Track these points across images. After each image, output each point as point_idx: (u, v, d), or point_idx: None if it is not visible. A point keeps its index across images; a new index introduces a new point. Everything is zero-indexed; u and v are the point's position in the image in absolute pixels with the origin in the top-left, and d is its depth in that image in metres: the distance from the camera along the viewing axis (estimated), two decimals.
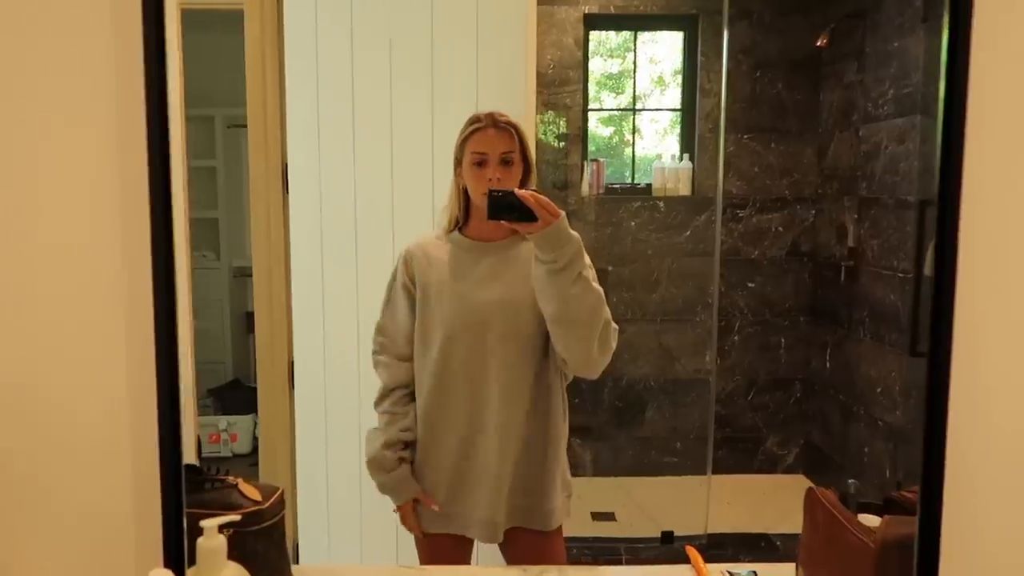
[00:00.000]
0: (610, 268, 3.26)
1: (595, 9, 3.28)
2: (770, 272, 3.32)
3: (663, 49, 3.51)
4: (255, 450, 2.85)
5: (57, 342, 0.75)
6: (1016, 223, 0.73)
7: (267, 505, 1.06)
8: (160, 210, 0.77)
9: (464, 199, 1.48)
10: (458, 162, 1.47)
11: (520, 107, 1.92)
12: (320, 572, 1.31)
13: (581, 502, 2.91)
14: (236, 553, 0.93)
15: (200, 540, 0.80)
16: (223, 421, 3.31)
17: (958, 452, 0.75)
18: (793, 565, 1.11)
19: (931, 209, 0.77)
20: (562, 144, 3.30)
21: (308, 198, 2.08)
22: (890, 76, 2.71)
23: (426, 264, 1.48)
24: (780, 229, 3.32)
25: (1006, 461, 0.72)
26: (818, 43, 3.16)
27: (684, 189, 3.32)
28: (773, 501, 3.12)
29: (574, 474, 1.55)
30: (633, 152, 3.53)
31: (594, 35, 3.44)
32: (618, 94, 3.59)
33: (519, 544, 1.50)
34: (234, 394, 3.54)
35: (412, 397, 1.51)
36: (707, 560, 1.20)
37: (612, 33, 3.51)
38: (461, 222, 1.50)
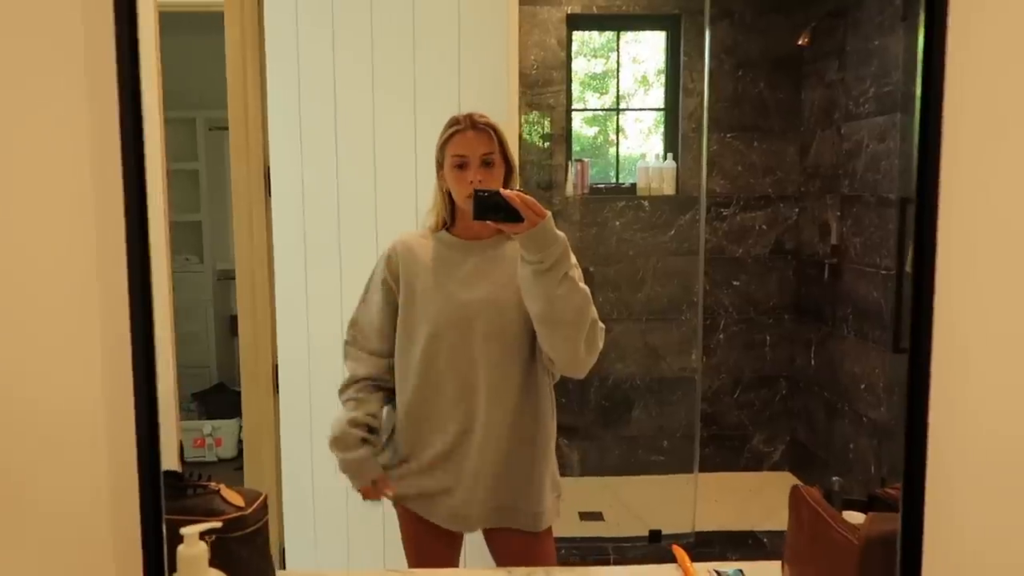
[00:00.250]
0: (591, 268, 3.26)
1: (578, 9, 3.28)
2: (754, 270, 3.34)
3: (646, 49, 3.52)
4: (240, 454, 2.83)
5: (30, 347, 0.74)
6: (994, 219, 0.74)
7: (250, 511, 1.05)
8: (135, 213, 0.76)
9: (449, 201, 1.48)
10: (439, 165, 1.47)
11: (503, 108, 1.92)
12: None
13: (568, 502, 2.90)
14: (219, 560, 0.92)
15: (180, 548, 0.79)
16: (208, 425, 3.29)
17: (939, 448, 0.75)
18: (779, 563, 1.11)
19: (912, 206, 0.77)
20: (546, 144, 3.30)
21: (291, 200, 2.07)
22: (871, 74, 2.73)
23: (411, 261, 1.47)
24: (764, 227, 3.33)
25: (987, 456, 0.72)
26: (799, 42, 3.17)
27: (668, 188, 3.33)
28: (759, 499, 3.14)
29: (561, 474, 1.55)
30: (617, 152, 3.54)
31: (577, 35, 3.44)
32: (602, 94, 3.59)
33: (509, 546, 1.50)
34: (219, 398, 3.52)
35: (377, 388, 1.52)
36: (694, 559, 1.20)
37: (595, 33, 3.52)
38: (448, 223, 1.50)
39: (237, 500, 1.05)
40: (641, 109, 3.57)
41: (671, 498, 2.91)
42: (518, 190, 1.32)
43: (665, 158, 3.37)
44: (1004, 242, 0.74)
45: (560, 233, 1.32)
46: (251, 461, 2.21)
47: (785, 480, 3.26)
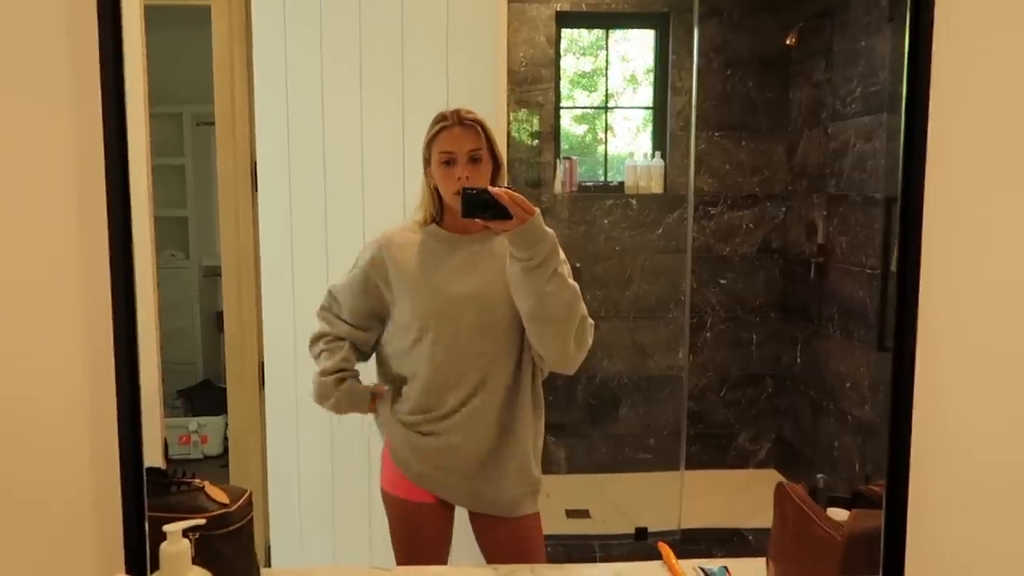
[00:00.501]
0: (579, 265, 3.26)
1: (567, 7, 3.28)
2: (741, 269, 3.35)
3: (635, 47, 3.52)
4: (227, 451, 2.82)
5: (12, 345, 0.73)
6: (977, 219, 0.75)
7: (234, 508, 1.05)
8: (118, 209, 0.75)
9: (437, 197, 1.48)
10: (427, 162, 1.46)
11: (492, 105, 1.91)
12: (290, 574, 1.30)
13: (555, 499, 2.91)
14: (203, 558, 0.91)
15: (163, 545, 0.79)
16: (193, 422, 3.25)
17: (923, 446, 0.75)
18: (764, 560, 1.12)
19: (897, 206, 0.78)
20: (535, 142, 3.30)
21: (278, 197, 2.06)
22: (857, 75, 2.75)
23: (398, 254, 1.47)
24: (751, 226, 3.35)
25: (969, 454, 0.73)
26: (787, 42, 3.19)
27: (656, 187, 3.34)
28: (745, 496, 3.15)
29: (548, 471, 1.56)
30: (606, 150, 3.54)
31: (566, 33, 3.44)
32: (591, 92, 3.59)
33: (490, 530, 1.52)
34: (204, 395, 3.48)
35: (347, 342, 1.54)
36: (680, 556, 1.21)
37: (584, 31, 3.52)
38: (436, 218, 1.50)
39: (222, 497, 1.04)
40: (630, 107, 3.57)
41: (657, 495, 2.92)
42: (506, 187, 1.32)
43: (653, 156, 3.37)
44: (987, 241, 0.74)
45: (549, 230, 1.32)
46: (237, 458, 2.20)
47: (771, 478, 3.27)
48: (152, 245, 1.34)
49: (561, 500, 2.96)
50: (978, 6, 0.77)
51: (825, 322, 2.92)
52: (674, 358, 3.34)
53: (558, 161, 3.31)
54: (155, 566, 0.79)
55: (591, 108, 3.60)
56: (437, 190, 1.47)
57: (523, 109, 3.28)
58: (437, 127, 1.44)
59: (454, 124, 1.43)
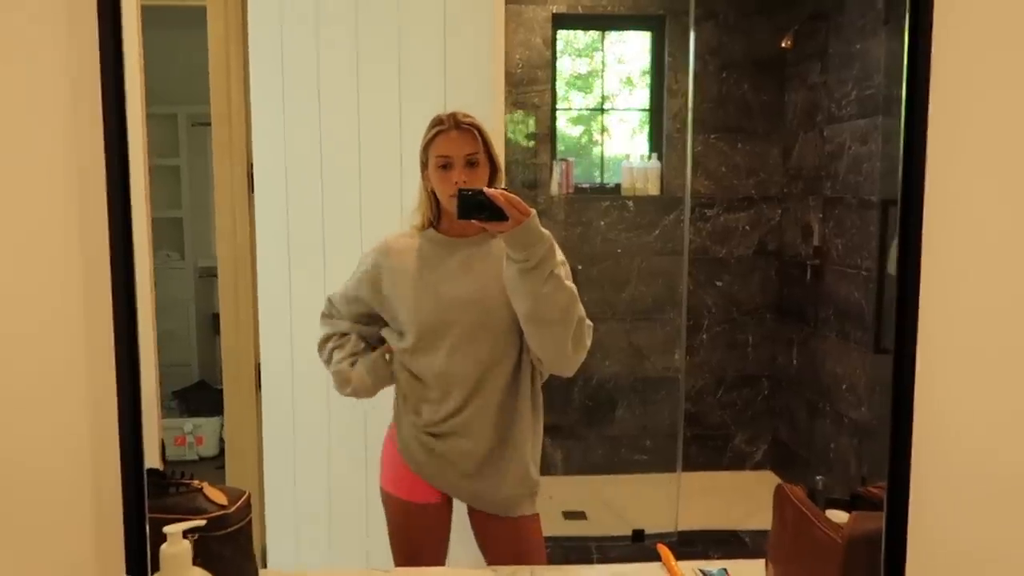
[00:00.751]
0: (577, 267, 3.27)
1: (563, 9, 3.28)
2: (737, 271, 3.36)
3: (630, 49, 3.53)
4: (222, 453, 2.81)
5: (13, 345, 0.73)
6: (977, 221, 0.75)
7: (233, 509, 1.04)
8: (119, 210, 0.75)
9: (434, 200, 1.48)
10: (424, 165, 1.46)
11: (489, 106, 1.91)
12: None
13: (552, 501, 2.91)
14: (202, 559, 0.91)
15: (164, 546, 0.79)
16: (189, 424, 3.25)
17: (924, 448, 0.76)
18: (763, 561, 1.12)
19: (894, 208, 0.78)
20: (531, 143, 3.30)
21: (274, 197, 2.05)
22: (853, 77, 2.76)
23: (396, 261, 1.47)
24: (747, 228, 3.35)
25: (971, 456, 0.73)
26: (782, 44, 3.20)
27: (653, 189, 3.34)
28: (742, 498, 3.16)
29: (544, 473, 1.56)
30: (602, 152, 3.55)
31: (562, 34, 3.44)
32: (586, 94, 3.60)
33: (486, 527, 1.52)
34: (200, 396, 3.48)
35: (350, 335, 1.55)
36: (677, 557, 1.21)
37: (580, 33, 3.52)
38: (434, 222, 1.50)
39: (220, 498, 1.04)
40: (626, 109, 3.57)
41: (654, 497, 2.92)
42: (502, 189, 1.32)
43: (649, 158, 3.38)
44: (987, 243, 0.74)
45: (545, 231, 1.32)
46: (233, 460, 2.19)
47: (767, 479, 3.28)
48: (149, 246, 1.34)
49: (558, 502, 2.97)
50: (977, 7, 0.77)
51: (821, 324, 2.93)
52: (670, 360, 3.34)
53: (554, 163, 3.31)
54: (155, 567, 0.78)
55: (587, 110, 3.60)
56: (435, 193, 1.47)
57: (519, 110, 3.29)
58: (434, 131, 1.44)
59: (451, 128, 1.42)
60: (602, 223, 3.33)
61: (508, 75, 3.14)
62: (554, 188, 3.29)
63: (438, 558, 1.56)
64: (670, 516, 2.67)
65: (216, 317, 2.34)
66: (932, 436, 0.76)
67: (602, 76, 3.51)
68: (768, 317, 3.37)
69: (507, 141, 3.18)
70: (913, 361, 0.74)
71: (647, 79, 3.47)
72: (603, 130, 3.55)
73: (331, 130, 2.01)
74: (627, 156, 3.47)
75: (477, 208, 1.28)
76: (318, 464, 2.05)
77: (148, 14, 1.32)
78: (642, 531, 2.65)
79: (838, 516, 1.00)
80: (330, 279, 2.02)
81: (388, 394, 1.54)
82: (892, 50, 2.47)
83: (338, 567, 2.12)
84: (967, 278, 0.76)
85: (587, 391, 3.33)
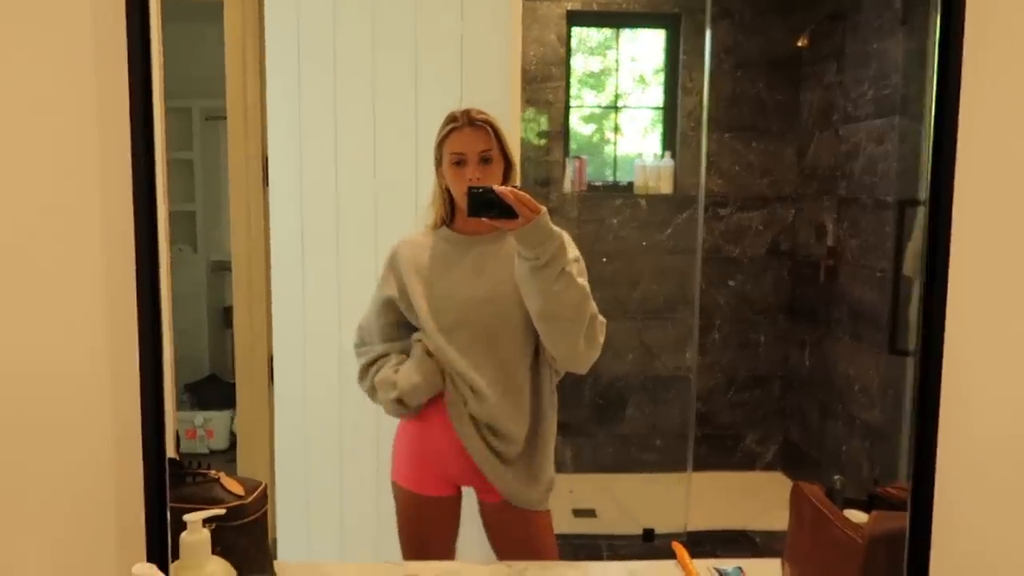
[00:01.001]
0: (592, 265, 3.26)
1: (578, 6, 3.28)
2: (750, 270, 3.34)
3: (643, 48, 3.52)
4: (232, 446, 2.81)
5: (38, 336, 0.73)
6: (1005, 222, 0.74)
7: (250, 500, 1.05)
8: (144, 204, 0.75)
9: (448, 197, 1.48)
10: (438, 162, 1.47)
11: (505, 103, 1.91)
12: (302, 568, 1.29)
13: (562, 499, 2.91)
14: (218, 548, 0.91)
15: (184, 535, 0.79)
16: (199, 417, 3.26)
17: (948, 449, 0.75)
18: (778, 561, 1.11)
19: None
20: (543, 141, 3.30)
21: (289, 191, 2.06)
22: (869, 77, 2.74)
23: (411, 262, 1.48)
24: (760, 228, 3.34)
25: (996, 457, 0.73)
26: (798, 44, 3.18)
27: (666, 187, 3.33)
28: (752, 498, 3.15)
29: (556, 470, 1.56)
30: (615, 150, 3.54)
31: (576, 31, 3.43)
32: (599, 92, 3.59)
33: (504, 527, 1.52)
34: (211, 389, 3.48)
35: (388, 355, 1.54)
36: (690, 556, 1.21)
37: (593, 31, 3.51)
38: (447, 220, 1.50)
39: (237, 489, 1.04)
40: (641, 107, 3.56)
41: (664, 496, 2.92)
42: (513, 186, 1.32)
43: (663, 157, 3.37)
44: (1014, 245, 0.74)
45: (557, 229, 1.32)
46: (244, 453, 2.19)
47: (777, 480, 3.27)
48: (167, 240, 1.35)
49: (568, 499, 2.96)
50: (1006, 7, 0.76)
51: (834, 324, 2.92)
52: (682, 359, 3.33)
53: (567, 160, 3.30)
54: (175, 555, 0.79)
55: (602, 107, 3.59)
56: (448, 190, 1.47)
57: (531, 108, 3.28)
58: (448, 128, 1.44)
59: (464, 125, 1.43)
60: (615, 221, 3.32)
61: (522, 72, 3.14)
62: (567, 186, 3.29)
63: (447, 552, 1.56)
64: (680, 515, 2.67)
65: (227, 311, 2.35)
66: (956, 436, 0.76)
67: (616, 74, 3.50)
68: (780, 317, 3.36)
69: (520, 138, 3.18)
70: (940, 362, 0.73)
71: (660, 77, 3.46)
72: (616, 128, 3.54)
73: (346, 125, 2.01)
74: (640, 154, 3.46)
75: (487, 206, 1.29)
76: (329, 457, 2.06)
77: (164, 7, 1.33)
78: (652, 530, 2.64)
79: (856, 516, 0.99)
80: (344, 273, 2.03)
81: None
82: (909, 50, 2.46)
83: (349, 560, 2.12)
84: (993, 279, 0.76)
85: (598, 389, 3.32)
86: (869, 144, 2.71)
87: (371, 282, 1.60)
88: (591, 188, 3.37)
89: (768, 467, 3.40)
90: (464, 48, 1.97)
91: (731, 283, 3.35)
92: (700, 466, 3.11)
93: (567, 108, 3.35)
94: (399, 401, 1.47)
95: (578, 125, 3.54)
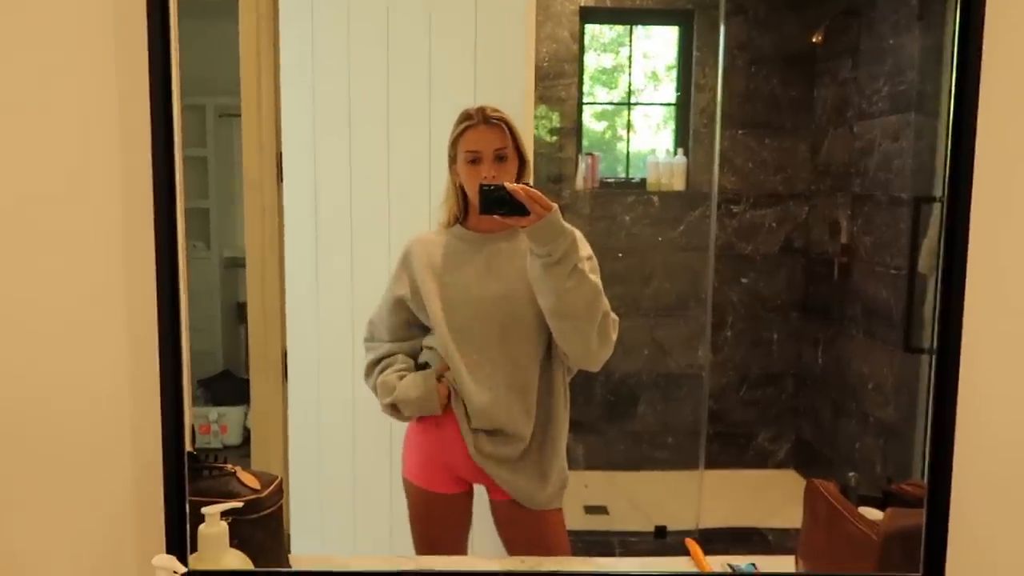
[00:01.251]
0: (604, 262, 3.25)
1: (591, 2, 3.27)
2: (763, 268, 3.33)
3: (656, 44, 3.50)
4: (245, 441, 2.83)
5: (59, 331, 0.74)
6: (1023, 219, 0.73)
7: (266, 494, 1.06)
8: (164, 201, 0.76)
9: (461, 195, 1.48)
10: (452, 160, 1.47)
11: (519, 100, 1.91)
12: (316, 560, 1.30)
13: (573, 495, 2.91)
14: (235, 541, 0.92)
15: (202, 527, 0.79)
16: (213, 412, 3.28)
17: (965, 446, 0.75)
18: (791, 558, 1.11)
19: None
20: (555, 138, 3.30)
21: (303, 188, 2.07)
22: (884, 73, 2.72)
23: (425, 259, 1.48)
24: (773, 225, 3.32)
25: (1012, 456, 0.72)
26: (813, 40, 3.16)
27: (678, 184, 3.32)
28: (764, 496, 3.14)
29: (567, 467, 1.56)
30: (628, 147, 3.53)
31: (588, 28, 3.42)
32: (611, 89, 3.58)
33: (517, 524, 1.52)
34: (224, 385, 3.51)
35: (396, 354, 1.53)
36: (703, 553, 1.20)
37: (606, 28, 3.50)
38: (460, 218, 1.50)
39: (253, 483, 1.05)
40: (654, 104, 3.55)
41: (676, 494, 2.91)
42: (524, 183, 1.32)
43: (675, 153, 3.36)
44: None
45: (568, 226, 1.32)
46: (259, 448, 2.21)
47: (790, 478, 3.25)
48: (183, 237, 1.36)
49: (579, 496, 2.96)
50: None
51: (848, 322, 2.90)
52: (694, 356, 3.32)
53: (580, 157, 3.30)
54: (193, 548, 0.79)
55: (615, 104, 3.58)
56: (462, 188, 1.47)
57: (543, 104, 3.28)
58: (462, 126, 1.45)
59: (480, 122, 1.43)
60: (627, 218, 3.31)
61: (535, 69, 3.13)
62: (580, 183, 3.28)
63: (458, 548, 1.57)
64: (692, 512, 2.66)
65: (240, 307, 2.36)
66: (973, 435, 0.76)
67: (629, 71, 3.49)
68: (794, 315, 3.34)
69: (533, 135, 3.18)
70: (956, 360, 0.73)
71: (673, 74, 3.45)
72: (629, 125, 3.53)
73: (360, 121, 2.01)
74: (653, 151, 3.45)
75: (498, 203, 1.30)
76: (343, 453, 2.06)
77: (179, 5, 1.33)
78: (664, 527, 2.64)
79: (871, 513, 0.99)
80: (357, 269, 2.03)
81: None
82: (926, 46, 2.44)
83: (363, 554, 2.14)
84: (1010, 276, 0.75)
85: (609, 386, 3.32)
86: (884, 141, 2.69)
87: (385, 278, 1.60)
88: (603, 185, 3.36)
89: (780, 465, 3.38)
90: (478, 45, 1.97)
91: (744, 280, 3.34)
92: (712, 464, 3.10)
93: (580, 105, 3.34)
94: (393, 407, 1.49)
95: (590, 122, 3.53)
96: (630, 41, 3.54)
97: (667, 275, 3.35)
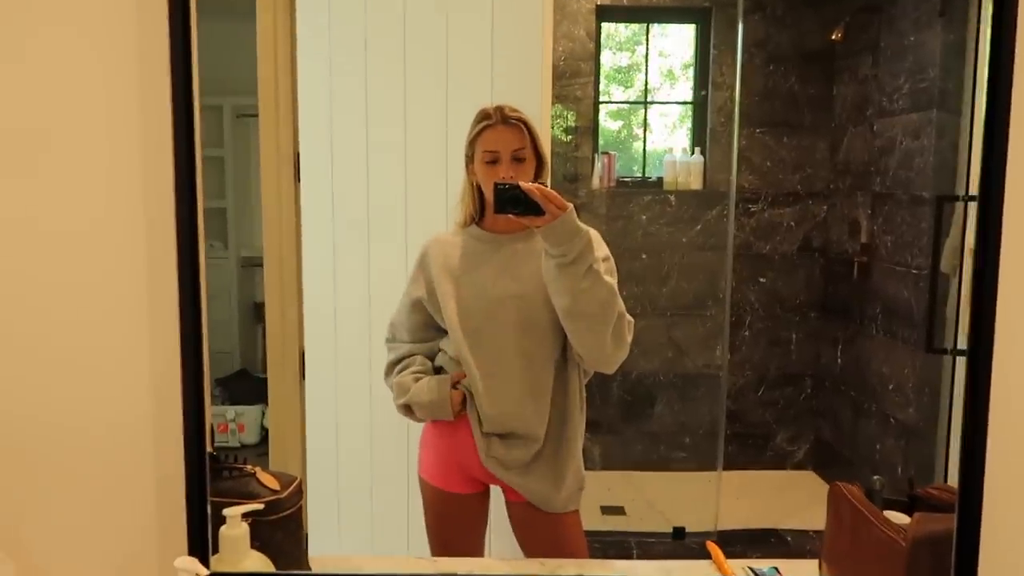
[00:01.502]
0: (621, 261, 3.24)
1: (607, 1, 3.26)
2: (781, 267, 3.31)
3: (672, 43, 3.49)
4: (263, 440, 2.84)
5: (81, 332, 0.74)
6: None
7: (285, 495, 1.05)
8: (185, 202, 0.76)
9: (478, 195, 1.48)
10: (469, 159, 1.46)
11: (536, 99, 1.90)
12: (335, 561, 1.30)
13: (590, 496, 2.89)
14: (255, 542, 0.92)
15: (223, 528, 0.79)
16: (231, 411, 3.30)
17: (997, 449, 0.73)
18: (815, 562, 1.10)
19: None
20: (571, 137, 3.29)
21: (320, 187, 2.07)
22: (905, 71, 2.69)
23: (442, 260, 1.48)
24: (792, 224, 3.30)
25: None
26: (832, 37, 3.13)
27: (696, 183, 3.30)
28: (782, 497, 3.11)
29: (584, 468, 1.55)
30: (644, 146, 3.51)
31: (604, 27, 3.41)
32: (626, 87, 3.56)
33: (534, 526, 1.52)
34: (242, 384, 3.52)
35: (415, 355, 1.53)
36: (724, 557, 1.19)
37: (622, 26, 3.49)
38: (477, 217, 1.50)
39: (272, 483, 1.05)
40: (670, 102, 3.54)
41: (694, 495, 2.90)
42: (539, 183, 1.31)
43: (693, 152, 3.34)
44: None
45: (584, 226, 1.31)
46: (276, 447, 2.21)
47: (808, 479, 3.23)
48: (202, 237, 1.36)
49: (596, 496, 2.95)
50: None
51: (868, 322, 2.87)
52: (711, 356, 3.30)
53: (596, 156, 3.29)
54: (215, 549, 0.79)
55: (631, 103, 3.57)
56: (479, 188, 1.46)
57: (559, 104, 3.27)
58: (481, 125, 1.44)
59: (498, 122, 1.42)
60: (644, 217, 3.30)
61: (552, 68, 3.13)
62: (596, 182, 3.27)
63: (475, 549, 1.56)
64: (710, 514, 2.65)
65: (258, 306, 2.37)
66: (1006, 438, 0.74)
67: (645, 69, 3.48)
68: (812, 314, 3.32)
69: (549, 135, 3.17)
70: (989, 362, 0.72)
71: (689, 72, 3.43)
72: (645, 124, 3.52)
73: (377, 121, 2.02)
74: (669, 149, 3.43)
75: (512, 203, 1.28)
76: (360, 453, 2.07)
77: (198, 6, 1.34)
78: (683, 528, 2.62)
79: (897, 517, 0.98)
80: (375, 268, 2.04)
81: None
82: (948, 43, 2.41)
83: (380, 555, 2.13)
84: None
85: (626, 386, 3.31)
86: (905, 139, 2.66)
87: (402, 278, 1.60)
88: (620, 184, 3.35)
89: (799, 466, 3.36)
90: (494, 44, 1.96)
91: (762, 280, 3.31)
92: (730, 464, 3.08)
93: (596, 104, 3.33)
94: (407, 408, 1.50)
95: (606, 121, 3.52)
96: (646, 39, 3.52)
97: (684, 275, 3.33)
